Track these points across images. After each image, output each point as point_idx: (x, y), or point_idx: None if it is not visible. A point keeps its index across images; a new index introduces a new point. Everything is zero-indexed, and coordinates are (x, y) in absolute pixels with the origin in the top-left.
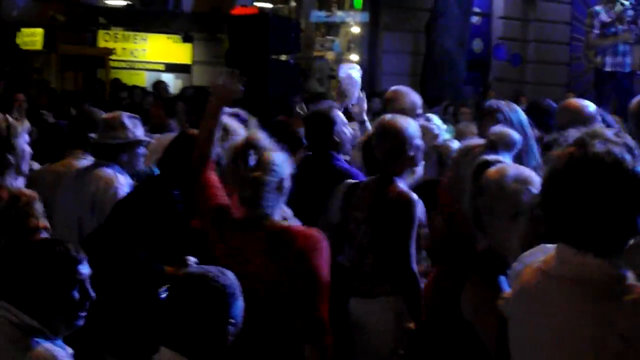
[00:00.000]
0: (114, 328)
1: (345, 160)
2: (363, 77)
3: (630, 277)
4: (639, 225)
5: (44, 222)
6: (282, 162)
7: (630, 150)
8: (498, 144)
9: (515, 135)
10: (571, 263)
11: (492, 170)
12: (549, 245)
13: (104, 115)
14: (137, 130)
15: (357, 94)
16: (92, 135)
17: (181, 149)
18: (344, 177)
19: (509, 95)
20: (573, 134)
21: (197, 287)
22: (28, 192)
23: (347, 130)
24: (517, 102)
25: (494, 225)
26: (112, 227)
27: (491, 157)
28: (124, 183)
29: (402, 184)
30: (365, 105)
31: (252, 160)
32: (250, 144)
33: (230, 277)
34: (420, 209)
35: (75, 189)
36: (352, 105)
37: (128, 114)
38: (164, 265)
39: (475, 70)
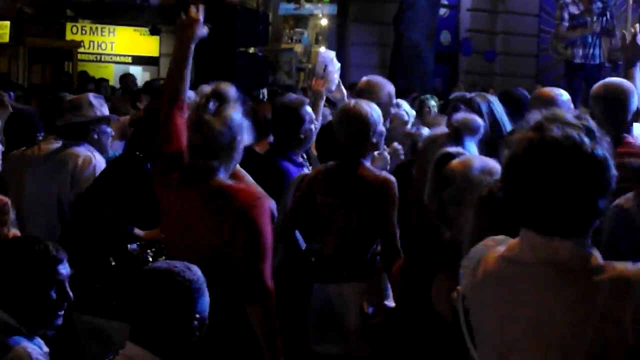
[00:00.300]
0: (83, 285)
1: (309, 157)
2: None
3: (599, 256)
4: (601, 207)
5: (14, 231)
6: (241, 122)
7: (589, 132)
8: (462, 130)
9: (479, 120)
10: (539, 248)
11: (457, 162)
12: (497, 237)
13: (70, 97)
14: (103, 108)
15: (337, 79)
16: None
17: (150, 124)
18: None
19: (478, 87)
20: (533, 117)
21: (162, 282)
22: (1, 198)
23: (314, 126)
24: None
25: (461, 217)
26: (87, 196)
27: (452, 148)
28: (100, 160)
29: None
30: (344, 90)
31: (212, 108)
32: (215, 94)
33: (196, 272)
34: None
35: (52, 169)
36: (334, 90)
37: (93, 94)
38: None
39: (443, 63)
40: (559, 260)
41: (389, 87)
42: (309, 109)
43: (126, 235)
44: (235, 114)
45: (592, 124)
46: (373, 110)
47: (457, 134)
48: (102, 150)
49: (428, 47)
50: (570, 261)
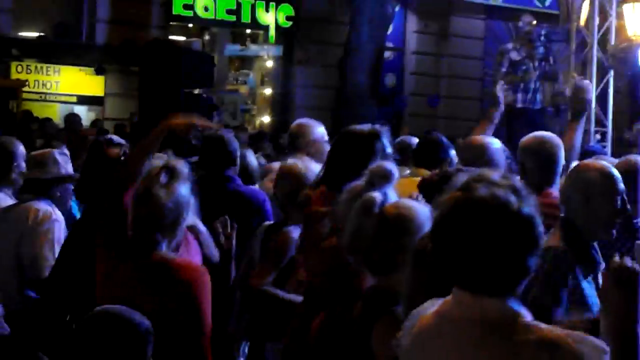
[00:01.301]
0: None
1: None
2: (276, 111)
3: (527, 315)
4: (530, 265)
5: None
6: (188, 199)
7: (515, 191)
8: (374, 179)
9: (390, 166)
10: (467, 305)
11: (393, 207)
12: (441, 299)
13: (34, 152)
14: (68, 166)
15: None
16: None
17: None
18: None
19: (422, 130)
20: (459, 178)
21: (114, 326)
22: None
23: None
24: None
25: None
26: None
27: (376, 193)
28: (60, 217)
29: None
30: None
31: (163, 180)
32: (167, 167)
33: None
34: None
35: (9, 224)
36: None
37: (58, 150)
38: None
39: (388, 105)
40: (486, 319)
41: (319, 129)
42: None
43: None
44: (184, 190)
45: (518, 182)
46: (308, 170)
47: (372, 183)
48: (62, 207)
49: (372, 89)
50: (498, 320)
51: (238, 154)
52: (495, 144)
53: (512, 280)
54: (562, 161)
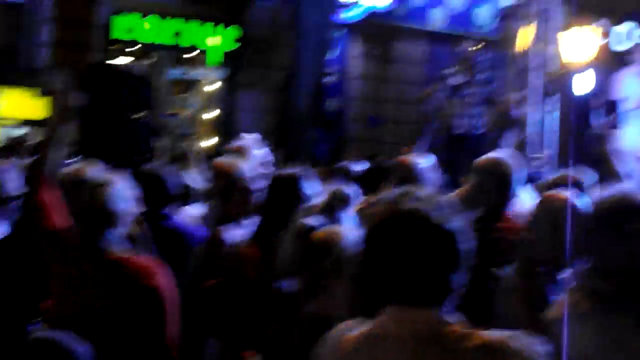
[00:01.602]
0: None
1: None
2: (219, 135)
3: (462, 323)
4: (455, 280)
5: None
6: (131, 190)
7: (441, 208)
8: (333, 202)
9: (349, 190)
10: (396, 320)
11: (325, 233)
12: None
13: None
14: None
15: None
16: None
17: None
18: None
19: (364, 154)
20: (387, 195)
21: (51, 353)
22: None
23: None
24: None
25: (337, 288)
26: None
27: (310, 219)
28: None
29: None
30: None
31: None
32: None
33: (83, 346)
34: None
35: None
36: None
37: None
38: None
39: (330, 130)
40: (418, 332)
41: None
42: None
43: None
44: (124, 183)
45: (446, 200)
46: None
47: (331, 207)
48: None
49: (314, 113)
50: (429, 332)
51: (177, 188)
52: (425, 162)
53: (437, 294)
54: (519, 181)
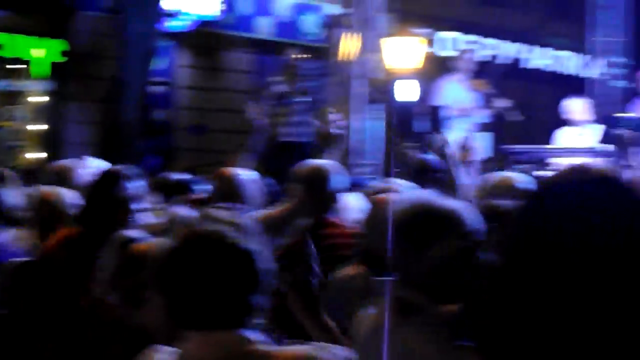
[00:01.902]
0: None
1: None
2: (47, 147)
3: (265, 343)
4: (254, 300)
5: None
6: None
7: (240, 229)
8: (171, 227)
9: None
10: (201, 344)
11: (145, 245)
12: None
13: None
14: None
15: None
16: None
17: None
18: None
19: (192, 164)
20: (185, 217)
21: None
22: None
23: None
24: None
25: (154, 299)
26: None
27: (131, 231)
28: None
29: None
30: None
31: None
32: None
33: None
34: None
35: None
36: None
37: None
38: None
39: (158, 140)
40: (219, 354)
41: (83, 167)
42: None
43: None
44: None
45: (246, 221)
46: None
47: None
48: None
49: (141, 124)
50: (231, 353)
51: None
52: (248, 175)
53: (238, 315)
54: (335, 186)
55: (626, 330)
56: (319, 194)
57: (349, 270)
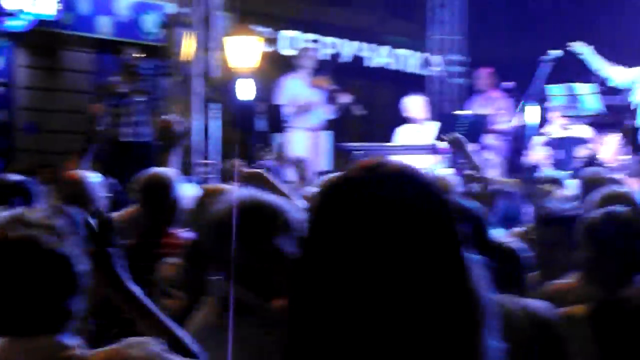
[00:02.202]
0: None
1: None
2: None
3: (80, 347)
4: (71, 304)
5: None
6: None
7: (55, 231)
8: None
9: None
10: (15, 351)
11: None
12: None
13: None
14: None
15: None
16: None
17: None
18: None
19: (32, 164)
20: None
21: None
22: None
23: None
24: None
25: None
26: None
27: None
28: None
29: None
30: None
31: None
32: None
33: None
34: None
35: None
36: None
37: None
38: None
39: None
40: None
41: None
42: None
43: None
44: None
45: (61, 222)
46: None
47: None
48: None
49: None
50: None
51: None
52: (93, 177)
53: (54, 320)
54: (177, 193)
55: (418, 326)
56: (158, 203)
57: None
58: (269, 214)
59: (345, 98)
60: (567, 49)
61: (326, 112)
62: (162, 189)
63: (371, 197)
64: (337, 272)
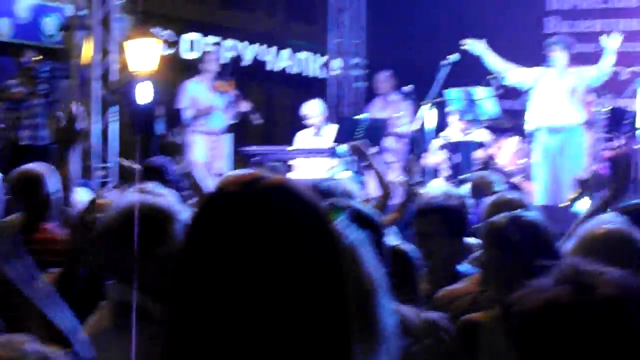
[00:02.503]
0: None
1: None
2: None
3: None
4: None
5: None
6: None
7: None
8: None
9: None
10: None
11: None
12: None
13: None
14: None
15: None
16: None
17: None
18: None
19: None
20: None
21: None
22: None
23: None
24: None
25: None
26: None
27: None
28: None
29: None
30: None
31: None
32: None
33: None
34: None
35: None
36: None
37: None
38: None
39: None
40: None
41: None
42: None
43: None
44: None
45: None
46: None
47: None
48: None
49: None
50: None
51: None
52: None
53: None
54: (52, 188)
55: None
56: (29, 199)
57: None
58: (162, 218)
59: (244, 106)
60: (461, 47)
61: (227, 116)
62: (33, 184)
63: (245, 213)
64: (213, 287)
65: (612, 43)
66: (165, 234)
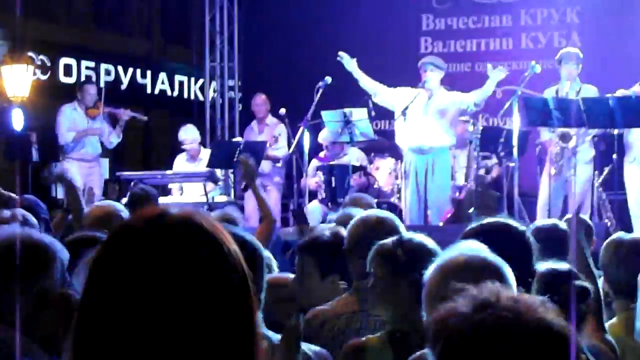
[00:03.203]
0: None
1: None
2: None
3: None
4: None
5: None
6: None
7: None
8: None
9: None
10: None
11: None
12: None
13: None
14: None
15: None
16: None
17: None
18: None
19: None
20: None
21: None
22: None
23: None
24: None
25: None
26: None
27: None
28: None
29: None
30: None
31: None
32: None
33: None
34: None
35: None
36: None
37: None
38: None
39: None
40: None
41: None
42: None
43: None
44: None
45: None
46: None
47: None
48: None
49: None
50: None
51: None
52: None
53: None
54: None
55: None
56: None
57: None
58: (39, 252)
59: (126, 114)
60: (338, 59)
61: (108, 139)
62: None
63: (149, 249)
64: (117, 322)
65: (496, 75)
66: (46, 268)
